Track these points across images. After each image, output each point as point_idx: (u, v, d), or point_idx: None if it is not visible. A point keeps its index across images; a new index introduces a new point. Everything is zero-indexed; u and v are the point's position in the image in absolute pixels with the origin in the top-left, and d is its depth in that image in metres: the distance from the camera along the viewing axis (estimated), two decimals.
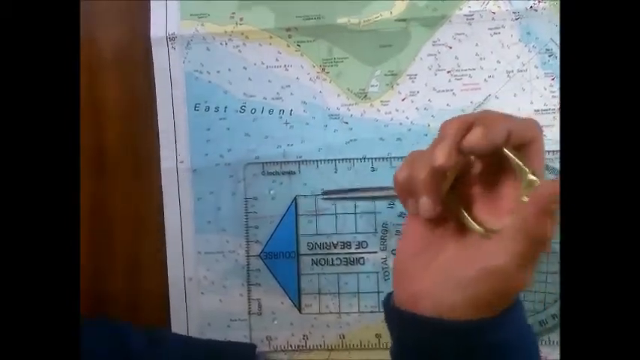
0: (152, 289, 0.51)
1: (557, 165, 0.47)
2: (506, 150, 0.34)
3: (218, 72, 0.50)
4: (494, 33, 0.48)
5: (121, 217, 0.51)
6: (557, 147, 0.48)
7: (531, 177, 0.34)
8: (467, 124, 0.33)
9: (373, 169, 0.49)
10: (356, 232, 0.49)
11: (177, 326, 0.50)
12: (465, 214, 0.35)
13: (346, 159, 0.49)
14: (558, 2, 0.48)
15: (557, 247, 0.47)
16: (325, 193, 0.48)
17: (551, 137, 0.48)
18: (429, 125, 0.48)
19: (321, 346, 0.49)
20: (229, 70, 0.50)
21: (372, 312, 0.49)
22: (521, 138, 0.33)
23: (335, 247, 0.49)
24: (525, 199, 0.33)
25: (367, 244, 0.49)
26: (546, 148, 0.46)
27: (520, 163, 0.34)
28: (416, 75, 0.49)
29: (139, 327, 0.49)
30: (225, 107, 0.50)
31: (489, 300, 0.33)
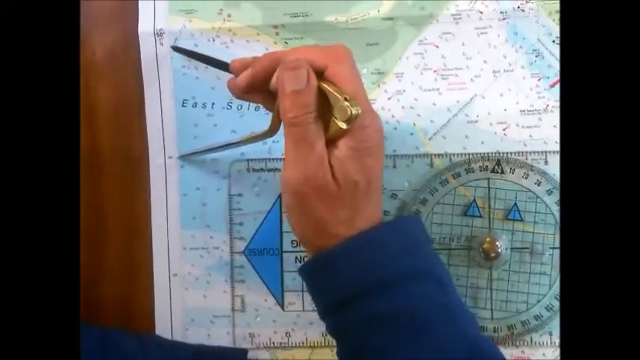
0: (143, 288, 0.50)
1: (542, 166, 0.47)
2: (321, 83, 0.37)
3: (206, 68, 0.50)
4: (482, 33, 0.48)
5: (113, 216, 0.51)
6: (543, 148, 0.47)
7: (345, 103, 0.36)
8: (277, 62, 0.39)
9: None
10: None
11: (161, 321, 0.50)
12: None
13: None
14: (545, 3, 0.47)
15: (541, 247, 0.47)
16: (181, 156, 0.50)
17: (537, 137, 0.48)
18: (414, 124, 0.48)
19: (303, 343, 0.49)
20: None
21: None
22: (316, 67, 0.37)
23: None
24: (340, 123, 0.36)
25: None
26: (532, 149, 0.48)
27: (330, 89, 0.36)
28: (402, 74, 0.48)
29: (129, 332, 0.49)
30: (213, 104, 0.50)
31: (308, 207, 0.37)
